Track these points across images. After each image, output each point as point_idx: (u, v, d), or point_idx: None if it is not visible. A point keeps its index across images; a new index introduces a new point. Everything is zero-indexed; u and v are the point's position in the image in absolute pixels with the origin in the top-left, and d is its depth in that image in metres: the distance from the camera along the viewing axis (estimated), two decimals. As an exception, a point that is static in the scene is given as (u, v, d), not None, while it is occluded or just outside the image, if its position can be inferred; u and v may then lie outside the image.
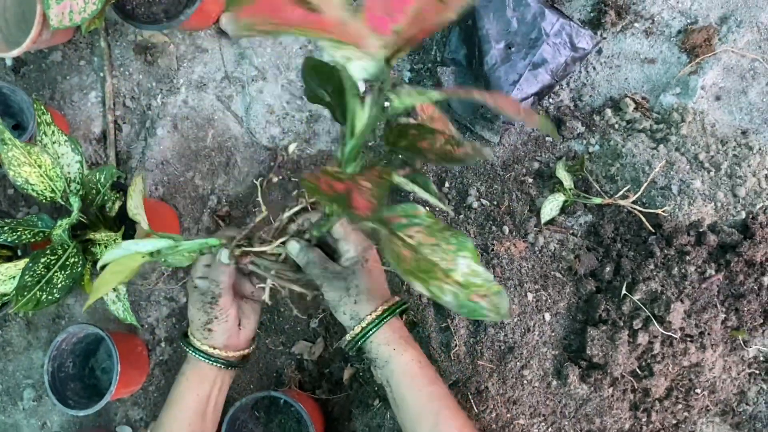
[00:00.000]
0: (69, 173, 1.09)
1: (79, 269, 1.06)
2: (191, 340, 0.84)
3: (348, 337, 0.79)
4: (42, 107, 1.06)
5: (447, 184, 1.16)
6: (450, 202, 1.15)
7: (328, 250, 0.80)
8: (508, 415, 1.03)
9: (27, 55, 1.44)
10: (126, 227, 1.19)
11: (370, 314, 0.77)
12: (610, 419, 1.04)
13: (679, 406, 1.04)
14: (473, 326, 1.03)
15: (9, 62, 1.46)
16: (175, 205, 1.36)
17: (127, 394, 1.33)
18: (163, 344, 1.34)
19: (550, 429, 1.05)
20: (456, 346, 1.02)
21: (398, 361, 0.76)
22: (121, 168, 1.39)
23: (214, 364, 0.83)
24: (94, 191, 1.09)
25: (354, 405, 1.16)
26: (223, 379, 0.86)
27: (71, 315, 1.39)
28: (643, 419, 1.05)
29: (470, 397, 1.01)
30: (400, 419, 0.78)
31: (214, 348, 0.83)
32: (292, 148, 1.30)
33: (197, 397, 0.84)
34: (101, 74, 1.40)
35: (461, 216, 1.12)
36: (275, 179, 1.30)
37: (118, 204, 1.16)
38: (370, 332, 0.77)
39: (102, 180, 1.07)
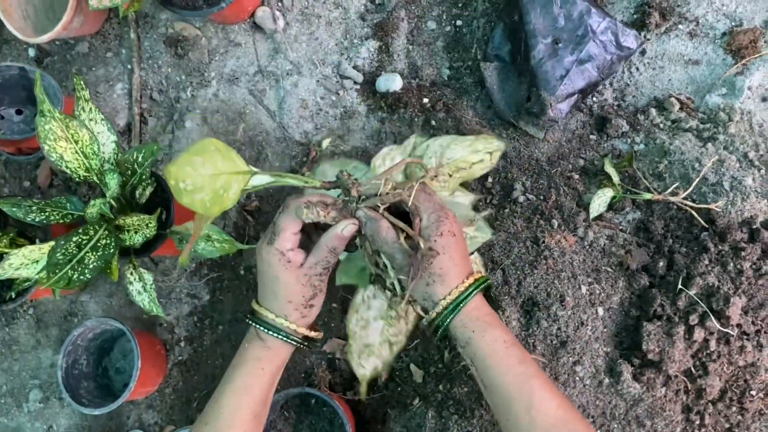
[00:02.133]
0: (104, 153, 1.05)
1: (111, 251, 1.01)
2: (281, 324, 0.74)
3: (424, 321, 0.74)
4: (81, 82, 1.02)
5: (490, 179, 1.13)
6: (494, 197, 1.12)
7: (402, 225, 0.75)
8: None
9: (52, 45, 1.41)
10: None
11: (444, 298, 0.71)
12: (661, 422, 1.00)
13: (733, 408, 1.01)
14: (525, 318, 0.99)
15: (32, 53, 1.43)
16: (201, 200, 1.32)
17: (143, 395, 1.26)
18: (182, 344, 1.28)
19: (599, 431, 1.01)
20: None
21: (480, 344, 0.70)
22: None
23: (295, 343, 0.75)
24: (129, 172, 1.05)
25: (390, 406, 1.10)
26: (287, 359, 0.79)
27: (84, 313, 1.33)
28: (696, 422, 1.01)
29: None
30: (489, 401, 0.72)
31: (304, 327, 0.75)
32: (325, 143, 1.27)
33: (268, 385, 0.75)
34: (129, 66, 1.37)
35: (506, 210, 1.09)
36: (308, 174, 1.27)
37: (149, 189, 1.12)
38: (447, 318, 0.71)
39: (140, 159, 1.03)
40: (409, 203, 0.72)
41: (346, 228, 0.72)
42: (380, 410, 1.13)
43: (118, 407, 1.27)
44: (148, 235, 1.08)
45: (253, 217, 1.27)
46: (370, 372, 0.76)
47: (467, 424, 0.99)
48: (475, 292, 0.73)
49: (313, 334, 0.76)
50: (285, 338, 0.74)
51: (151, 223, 1.06)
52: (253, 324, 0.76)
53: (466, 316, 0.72)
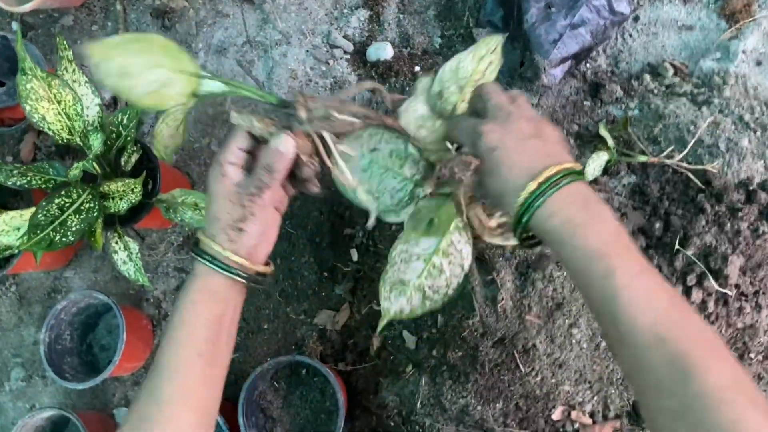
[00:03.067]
0: (87, 116, 1.02)
1: (95, 215, 0.99)
2: (208, 245, 0.65)
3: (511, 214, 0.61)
4: (64, 42, 1.00)
5: (483, 145, 1.11)
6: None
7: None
8: (554, 380, 0.97)
9: (36, 18, 1.38)
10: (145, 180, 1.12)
11: (520, 192, 0.57)
12: (659, 387, 0.98)
13: (732, 372, 0.99)
14: (520, 280, 0.97)
15: (15, 26, 1.40)
16: (189, 173, 1.29)
17: (129, 371, 1.23)
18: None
19: (595, 397, 0.99)
20: (503, 299, 0.96)
21: (570, 256, 0.55)
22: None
23: (232, 275, 0.65)
24: (114, 135, 1.02)
25: (382, 375, 1.08)
26: (236, 299, 0.68)
27: (68, 289, 1.30)
28: (694, 387, 0.99)
29: (516, 356, 0.95)
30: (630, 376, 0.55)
31: (237, 254, 0.65)
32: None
33: (207, 321, 0.65)
34: (114, 38, 1.34)
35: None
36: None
37: (135, 157, 1.09)
38: (526, 214, 0.57)
39: (125, 121, 1.01)
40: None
41: (281, 142, 0.64)
42: (372, 380, 1.10)
43: (102, 384, 1.24)
44: (133, 201, 1.05)
45: (242, 189, 1.25)
46: (394, 310, 0.70)
47: (462, 389, 0.97)
48: (566, 180, 0.57)
49: (238, 258, 0.65)
50: (209, 262, 0.65)
51: (136, 187, 1.03)
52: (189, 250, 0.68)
53: (561, 204, 0.57)
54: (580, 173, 0.58)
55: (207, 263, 0.65)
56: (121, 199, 1.06)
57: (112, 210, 1.07)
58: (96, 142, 0.98)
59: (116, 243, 1.09)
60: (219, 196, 0.65)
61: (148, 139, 1.29)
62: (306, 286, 1.17)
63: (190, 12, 1.33)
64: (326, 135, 0.66)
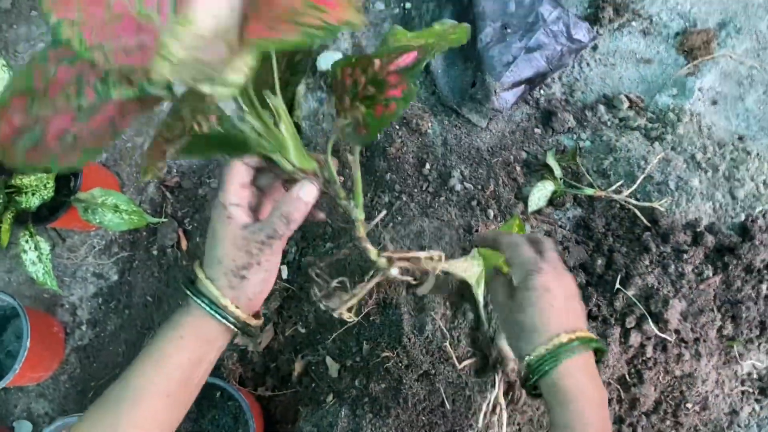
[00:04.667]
0: (2, 102, 0.95)
1: (0, 209, 0.91)
2: (206, 286, 0.61)
3: (520, 366, 0.65)
4: (-19, 21, 0.93)
5: (428, 166, 1.06)
6: (430, 184, 1.05)
7: None
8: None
9: (-30, -1, 1.31)
10: (60, 176, 1.05)
11: (529, 354, 0.62)
12: (591, 433, 0.92)
13: (667, 422, 0.94)
14: (451, 312, 0.91)
15: (-52, 5, 1.32)
16: (118, 173, 1.21)
17: (34, 381, 1.14)
18: (84, 327, 1.16)
19: (523, 437, 0.93)
20: (431, 329, 0.90)
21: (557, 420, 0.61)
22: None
23: (228, 323, 0.60)
24: (28, 124, 0.95)
25: (302, 403, 1.01)
26: (223, 342, 0.63)
27: (-21, 289, 1.20)
28: (628, 435, 0.94)
29: (442, 390, 0.89)
30: None
31: (236, 302, 0.61)
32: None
33: (188, 360, 0.61)
34: (53, 26, 1.27)
35: (442, 198, 1.02)
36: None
37: (54, 150, 1.02)
38: (534, 376, 0.61)
39: (40, 110, 0.93)
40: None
41: (306, 192, 0.59)
42: (291, 408, 1.03)
43: (4, 393, 1.15)
44: (45, 197, 0.97)
45: (173, 194, 1.17)
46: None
47: (382, 424, 0.90)
48: (571, 352, 0.62)
49: (236, 310, 0.61)
50: (206, 305, 0.60)
51: (49, 183, 0.95)
52: (181, 282, 0.63)
53: (562, 375, 0.61)
54: (595, 342, 0.62)
55: (204, 306, 0.60)
56: (33, 194, 0.98)
57: (23, 205, 0.99)
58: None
59: (26, 242, 1.01)
60: (224, 239, 0.59)
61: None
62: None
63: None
64: None
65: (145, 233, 1.17)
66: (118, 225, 1.04)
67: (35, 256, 1.01)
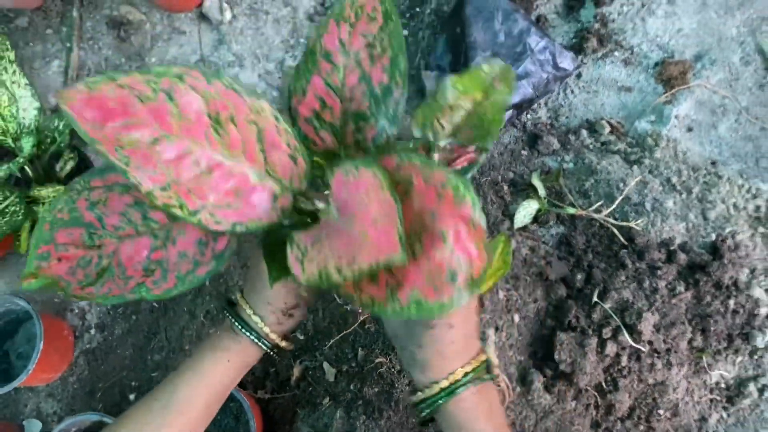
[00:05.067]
0: (24, 119, 1.01)
1: (20, 218, 0.97)
2: (257, 324, 0.67)
3: (413, 398, 0.64)
4: (7, 43, 0.99)
5: (421, 184, 1.13)
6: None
7: None
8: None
9: (-10, 17, 1.37)
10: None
11: (429, 386, 0.60)
12: (570, 436, 0.99)
13: (641, 427, 1.01)
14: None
15: (-32, 23, 1.38)
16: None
17: (44, 382, 1.20)
18: (93, 331, 1.22)
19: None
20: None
21: None
22: (75, 142, 1.31)
23: (272, 353, 0.69)
24: (48, 139, 1.01)
25: (300, 405, 1.07)
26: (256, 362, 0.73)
27: (-8, 293, 1.27)
28: (604, 439, 1.00)
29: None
30: None
31: (282, 336, 0.68)
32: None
33: (230, 380, 0.69)
34: (68, 44, 1.34)
35: (434, 214, 1.09)
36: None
37: (71, 164, 1.08)
38: (427, 410, 0.60)
39: (60, 126, 1.00)
40: None
41: None
42: (290, 410, 1.09)
43: (15, 393, 1.20)
44: (62, 208, 1.04)
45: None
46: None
47: (374, 425, 0.97)
48: (472, 381, 0.60)
49: (284, 344, 0.69)
50: (256, 339, 0.67)
51: (66, 195, 1.02)
52: (228, 315, 0.69)
53: (461, 405, 0.60)
54: (488, 376, 0.61)
55: (254, 339, 0.67)
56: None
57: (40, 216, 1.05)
58: (27, 145, 0.97)
59: (42, 250, 1.07)
60: (277, 284, 0.62)
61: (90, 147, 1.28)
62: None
63: (146, 25, 1.33)
64: None
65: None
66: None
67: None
